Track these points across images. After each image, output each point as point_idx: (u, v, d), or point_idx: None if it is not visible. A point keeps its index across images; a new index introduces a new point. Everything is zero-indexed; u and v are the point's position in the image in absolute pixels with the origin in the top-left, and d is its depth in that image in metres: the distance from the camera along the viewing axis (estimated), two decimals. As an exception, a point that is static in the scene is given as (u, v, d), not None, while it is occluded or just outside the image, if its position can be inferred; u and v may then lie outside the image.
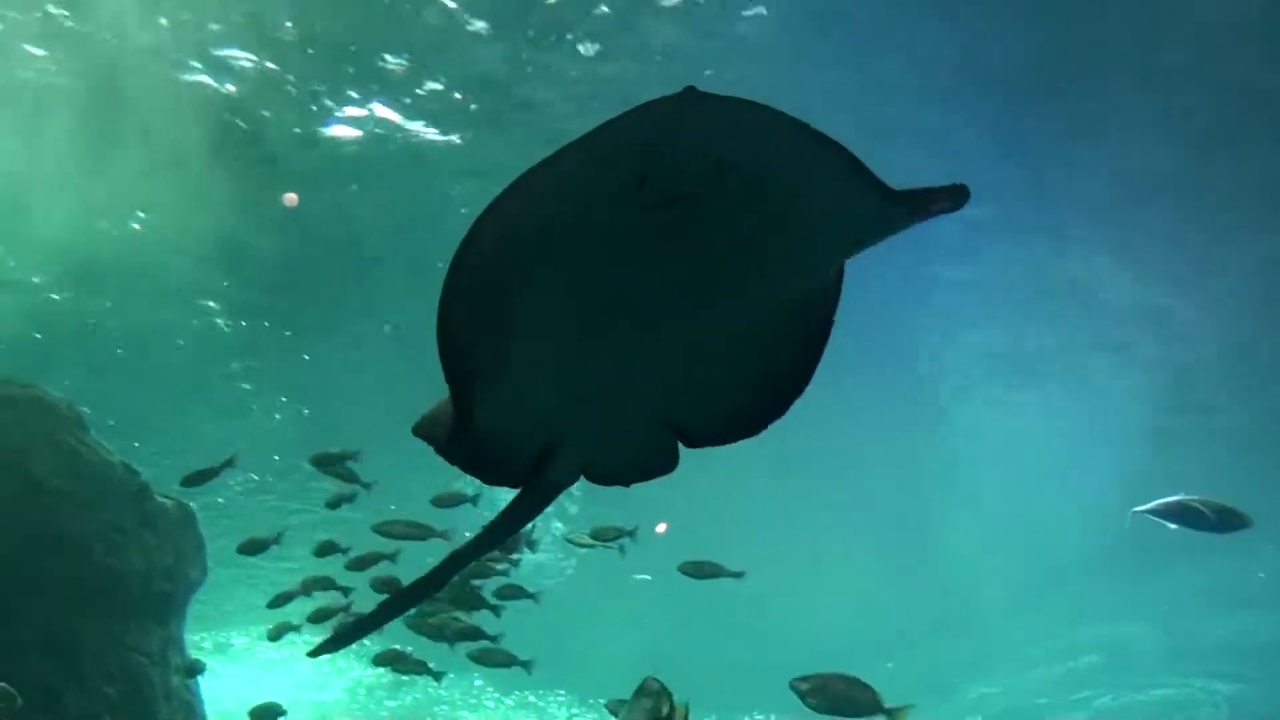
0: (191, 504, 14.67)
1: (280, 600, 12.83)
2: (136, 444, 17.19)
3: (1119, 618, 25.73)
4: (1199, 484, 14.78)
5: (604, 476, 3.58)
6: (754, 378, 3.31)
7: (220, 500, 20.89)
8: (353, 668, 33.61)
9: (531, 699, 37.18)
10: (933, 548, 21.99)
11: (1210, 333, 15.33)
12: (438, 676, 13.03)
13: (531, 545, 11.45)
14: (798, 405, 3.36)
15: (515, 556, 11.06)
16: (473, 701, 38.67)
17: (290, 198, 12.47)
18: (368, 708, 41.42)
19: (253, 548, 12.78)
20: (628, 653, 25.53)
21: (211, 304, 15.14)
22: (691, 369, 3.21)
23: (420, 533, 11.69)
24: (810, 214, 2.82)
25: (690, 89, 2.52)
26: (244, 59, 11.10)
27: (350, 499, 12.09)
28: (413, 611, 11.13)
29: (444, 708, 39.86)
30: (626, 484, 3.59)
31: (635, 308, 2.98)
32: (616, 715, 10.93)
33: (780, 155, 2.70)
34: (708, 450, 3.51)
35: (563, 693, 35.53)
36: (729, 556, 22.97)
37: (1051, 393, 17.03)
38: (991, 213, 12.92)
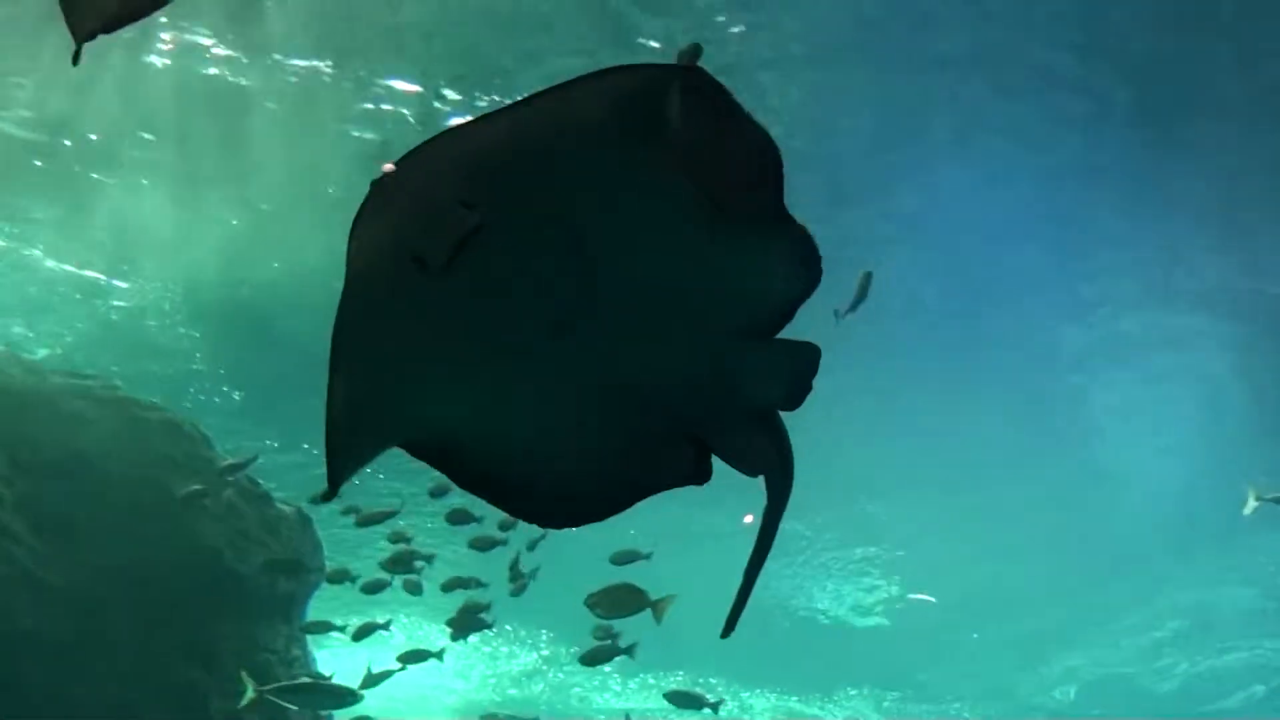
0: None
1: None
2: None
3: (1204, 584, 24.52)
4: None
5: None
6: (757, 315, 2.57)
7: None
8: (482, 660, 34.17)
9: (650, 681, 37.20)
10: (1021, 522, 21.24)
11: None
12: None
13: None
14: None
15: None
16: (597, 684, 38.89)
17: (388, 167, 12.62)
18: (488, 696, 41.65)
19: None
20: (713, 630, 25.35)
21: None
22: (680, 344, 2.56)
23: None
24: (619, 191, 2.33)
25: (383, 172, 2.30)
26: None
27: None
28: None
29: (577, 690, 40.11)
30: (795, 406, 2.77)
31: (573, 329, 2.45)
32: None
33: (524, 158, 2.28)
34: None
35: (681, 673, 35.41)
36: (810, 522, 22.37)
37: (1153, 368, 16.34)
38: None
